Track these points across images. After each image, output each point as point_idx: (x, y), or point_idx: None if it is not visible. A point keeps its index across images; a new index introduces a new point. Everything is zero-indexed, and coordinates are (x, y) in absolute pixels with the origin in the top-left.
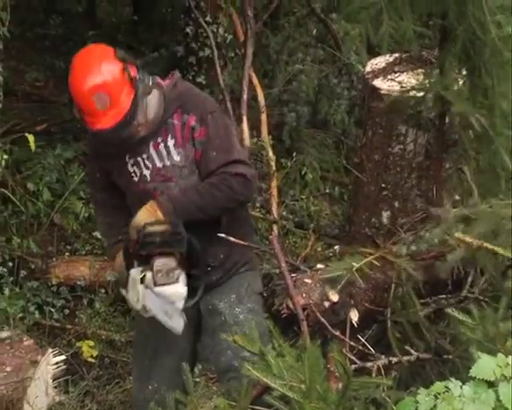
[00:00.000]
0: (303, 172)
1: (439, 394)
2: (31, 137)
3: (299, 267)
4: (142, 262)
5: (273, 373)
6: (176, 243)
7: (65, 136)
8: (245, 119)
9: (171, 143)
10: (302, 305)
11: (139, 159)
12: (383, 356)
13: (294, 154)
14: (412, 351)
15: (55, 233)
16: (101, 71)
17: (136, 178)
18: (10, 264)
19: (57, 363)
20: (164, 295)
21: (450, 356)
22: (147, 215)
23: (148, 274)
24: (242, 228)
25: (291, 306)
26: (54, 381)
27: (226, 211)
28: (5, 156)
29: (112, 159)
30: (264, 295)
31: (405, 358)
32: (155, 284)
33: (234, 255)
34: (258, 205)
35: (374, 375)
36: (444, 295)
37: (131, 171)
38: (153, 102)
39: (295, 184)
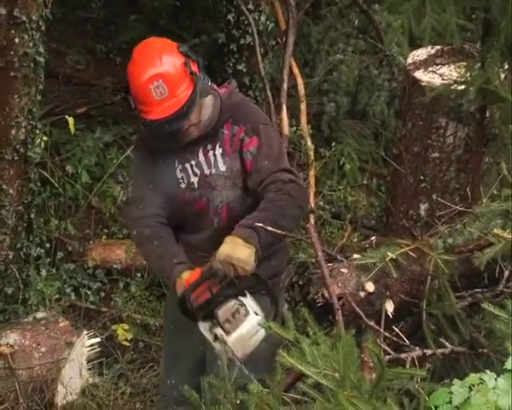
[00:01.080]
0: (341, 163)
1: (473, 385)
2: (70, 120)
3: (335, 257)
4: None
5: (307, 361)
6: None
7: (104, 119)
8: (284, 107)
9: (218, 152)
10: (337, 294)
11: (187, 165)
12: (417, 348)
13: (333, 144)
14: (447, 344)
15: (92, 216)
16: (162, 61)
17: (183, 185)
18: (48, 245)
19: (92, 345)
20: (243, 336)
21: (485, 350)
22: (231, 248)
23: (218, 331)
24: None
25: (326, 295)
26: (88, 363)
27: (295, 221)
28: (44, 138)
29: (161, 160)
30: (300, 283)
31: (440, 350)
32: (229, 334)
33: (263, 270)
34: None
35: (408, 366)
36: (479, 289)
37: (179, 177)
38: (208, 104)
39: (333, 175)
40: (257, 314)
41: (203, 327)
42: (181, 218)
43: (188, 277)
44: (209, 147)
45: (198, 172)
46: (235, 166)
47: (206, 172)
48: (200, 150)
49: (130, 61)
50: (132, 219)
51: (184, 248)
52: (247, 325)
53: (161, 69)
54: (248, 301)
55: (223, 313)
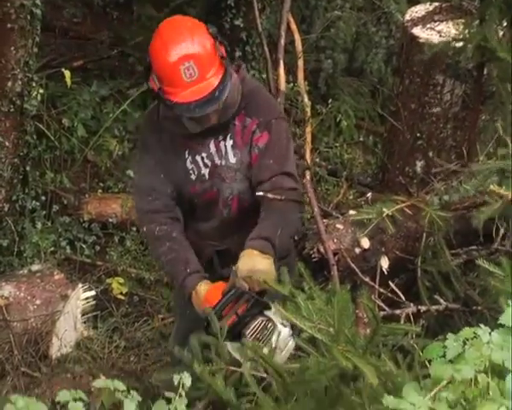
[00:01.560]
0: (338, 120)
1: (467, 340)
2: (67, 73)
3: (330, 213)
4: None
5: (302, 315)
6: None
7: (101, 73)
8: (281, 63)
9: (229, 143)
10: (333, 250)
11: (198, 158)
12: (412, 304)
13: (330, 101)
14: (441, 300)
15: (88, 170)
16: (193, 41)
17: (193, 177)
18: (43, 198)
19: (87, 298)
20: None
21: (479, 307)
22: (252, 262)
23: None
24: None
25: (322, 250)
26: (83, 316)
27: (295, 227)
28: (41, 91)
29: (171, 149)
30: (295, 239)
31: (434, 307)
32: None
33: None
34: None
35: (402, 323)
36: (475, 247)
37: (189, 168)
38: (233, 87)
39: (329, 132)
40: (284, 325)
41: (231, 347)
42: (190, 207)
43: (208, 296)
44: (220, 138)
45: (209, 163)
46: (245, 159)
47: (217, 162)
48: (212, 142)
49: (157, 38)
50: (142, 213)
51: (193, 234)
52: (275, 339)
53: (193, 49)
54: (274, 313)
55: (251, 332)
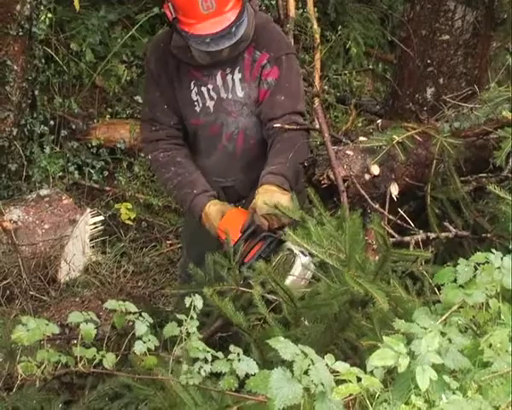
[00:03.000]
0: (347, 47)
1: (478, 265)
2: None
3: (340, 140)
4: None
5: (313, 241)
6: None
7: None
8: None
9: (237, 76)
10: (343, 176)
11: (203, 89)
12: (421, 231)
13: (339, 27)
14: (451, 228)
15: (96, 95)
16: None
17: (197, 108)
18: (52, 123)
19: (95, 223)
20: (295, 281)
21: (488, 235)
22: (270, 197)
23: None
24: None
25: (332, 177)
26: (91, 241)
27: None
28: (49, 15)
29: (176, 79)
30: (305, 165)
31: (443, 234)
32: None
33: None
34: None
35: (411, 249)
36: (484, 174)
37: (194, 99)
38: (248, 20)
39: (339, 59)
40: (305, 254)
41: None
42: (194, 140)
43: (225, 225)
44: (228, 70)
45: (215, 96)
46: (253, 94)
47: (223, 95)
48: (219, 74)
49: None
50: (146, 142)
51: (200, 170)
52: (296, 269)
53: None
54: (292, 242)
55: (274, 268)
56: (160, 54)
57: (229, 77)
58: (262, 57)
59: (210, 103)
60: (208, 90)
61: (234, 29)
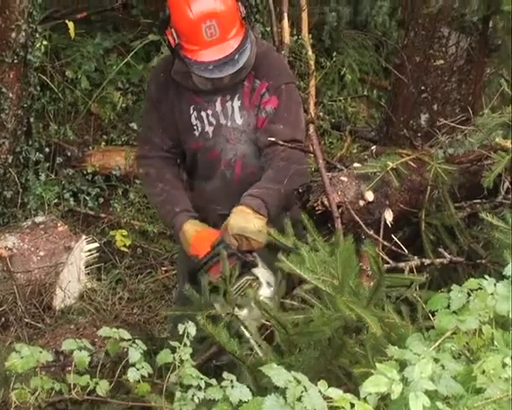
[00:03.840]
0: (342, 73)
1: (472, 291)
2: (71, 25)
3: (335, 166)
4: None
5: (306, 267)
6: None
7: (105, 25)
8: (286, 16)
9: (236, 104)
10: (337, 202)
11: (203, 114)
12: (416, 257)
13: (334, 54)
14: (445, 254)
15: (91, 122)
16: (217, 0)
17: (196, 133)
18: (47, 150)
19: (90, 250)
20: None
21: (483, 261)
22: (244, 220)
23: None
24: None
25: (326, 203)
26: (86, 268)
27: (297, 187)
28: (45, 42)
29: (177, 104)
30: (300, 191)
31: (438, 260)
32: (242, 310)
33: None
34: None
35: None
36: (479, 200)
37: (194, 123)
38: (251, 47)
39: (333, 85)
40: (269, 285)
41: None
42: (192, 163)
43: (196, 243)
44: (228, 97)
45: (214, 121)
46: (252, 122)
47: (222, 122)
48: (219, 100)
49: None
50: (139, 158)
51: (198, 197)
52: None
53: (216, 7)
54: (260, 270)
55: (236, 290)
56: (161, 81)
57: (228, 104)
58: (261, 86)
59: (209, 129)
60: (207, 115)
61: (237, 56)
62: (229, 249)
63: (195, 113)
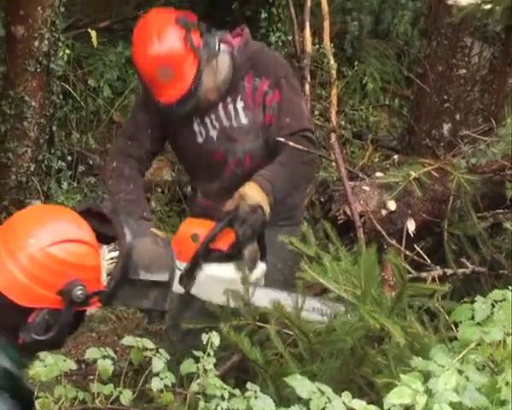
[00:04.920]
0: (363, 82)
1: (496, 302)
2: (93, 33)
3: (357, 175)
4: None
5: (328, 276)
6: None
7: (127, 34)
8: (307, 25)
9: (239, 105)
10: (359, 212)
11: (207, 119)
12: (438, 267)
13: (356, 63)
14: (468, 264)
15: (113, 130)
16: (161, 43)
17: (200, 139)
18: (69, 158)
19: (112, 258)
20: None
21: (505, 271)
22: (257, 194)
23: (257, 272)
24: None
25: (348, 212)
26: (108, 276)
27: (304, 182)
28: (67, 51)
29: (176, 119)
30: (321, 200)
31: (461, 270)
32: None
33: (278, 207)
34: (317, 113)
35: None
36: (501, 210)
37: (197, 130)
38: (222, 63)
39: (355, 94)
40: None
41: (226, 269)
42: (191, 167)
43: (188, 226)
44: (229, 100)
45: (217, 125)
46: (257, 119)
47: (226, 124)
48: (220, 104)
49: (132, 46)
50: (117, 150)
51: (203, 198)
52: (259, 270)
53: (163, 55)
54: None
55: (249, 253)
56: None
57: (230, 106)
58: (262, 84)
59: (213, 133)
60: (211, 120)
61: (193, 89)
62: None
63: (199, 119)
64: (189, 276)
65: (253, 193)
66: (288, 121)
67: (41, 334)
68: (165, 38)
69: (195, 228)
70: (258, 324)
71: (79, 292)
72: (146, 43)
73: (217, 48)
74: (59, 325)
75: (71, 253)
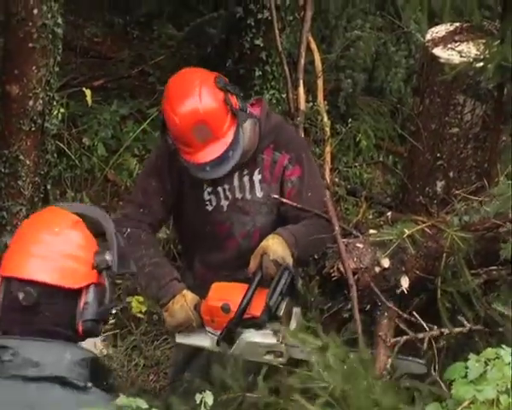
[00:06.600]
0: (357, 140)
1: (489, 360)
2: (88, 92)
3: (351, 232)
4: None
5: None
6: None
7: (121, 92)
8: (301, 83)
9: (256, 178)
10: (353, 269)
11: (219, 189)
12: (435, 327)
13: (349, 120)
14: (465, 322)
15: (108, 189)
16: (202, 102)
17: (209, 207)
18: None
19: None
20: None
21: (500, 329)
22: (281, 249)
23: (292, 323)
24: None
25: (342, 269)
26: (102, 334)
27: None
28: (62, 110)
29: (187, 179)
30: (315, 257)
31: (457, 329)
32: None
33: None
34: None
35: (425, 346)
36: (495, 267)
37: (206, 199)
38: (248, 130)
39: (349, 151)
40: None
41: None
42: (197, 236)
43: (218, 292)
44: (245, 171)
45: (230, 196)
46: (273, 193)
47: (238, 196)
48: (236, 175)
49: (166, 98)
50: (127, 218)
51: (203, 265)
52: (294, 318)
53: (203, 110)
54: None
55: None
56: (170, 156)
57: (246, 178)
58: (282, 158)
59: (224, 203)
60: (224, 190)
61: (231, 152)
62: (268, 278)
63: (210, 188)
64: (226, 342)
65: (276, 248)
66: (308, 196)
67: (97, 308)
68: (206, 97)
69: (225, 295)
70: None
71: (108, 257)
72: (185, 99)
73: (246, 110)
74: (108, 295)
75: (85, 230)
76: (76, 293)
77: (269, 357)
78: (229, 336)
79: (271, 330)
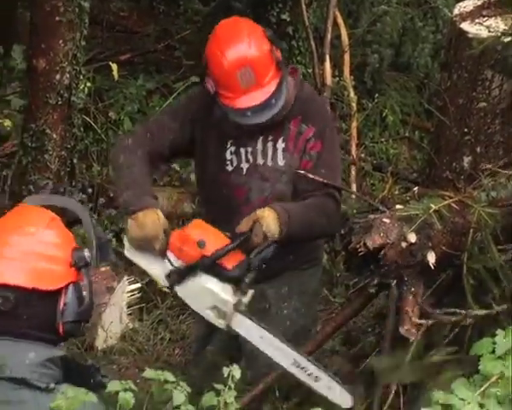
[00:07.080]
0: (383, 115)
1: None
2: (114, 66)
3: (377, 207)
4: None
5: None
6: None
7: (147, 67)
8: (327, 58)
9: (280, 146)
10: (379, 244)
11: (242, 150)
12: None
13: (376, 95)
14: (494, 304)
15: None
16: (250, 45)
17: (229, 168)
18: (90, 191)
19: (132, 291)
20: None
21: None
22: (273, 224)
23: (244, 299)
24: None
25: (368, 244)
26: (128, 308)
27: (320, 234)
28: (88, 84)
29: (214, 133)
30: (341, 233)
31: (484, 312)
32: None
33: (301, 250)
34: None
35: (449, 328)
36: None
37: (228, 158)
38: (290, 90)
39: (375, 127)
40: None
41: (225, 291)
42: (216, 200)
43: (198, 229)
44: (270, 137)
45: (251, 159)
46: (294, 164)
47: (259, 161)
48: (261, 138)
49: (213, 40)
50: (136, 141)
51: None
52: (248, 296)
53: (250, 54)
54: None
55: (249, 279)
56: (208, 101)
57: (269, 144)
58: (308, 131)
59: (244, 165)
60: (246, 152)
61: (274, 100)
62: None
63: (233, 148)
64: (180, 276)
65: (270, 222)
66: (322, 173)
67: (77, 308)
68: (255, 43)
69: (205, 233)
70: None
71: (86, 253)
72: (235, 42)
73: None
74: (88, 292)
75: (62, 228)
76: (54, 294)
77: (210, 312)
78: (187, 274)
79: (232, 288)
